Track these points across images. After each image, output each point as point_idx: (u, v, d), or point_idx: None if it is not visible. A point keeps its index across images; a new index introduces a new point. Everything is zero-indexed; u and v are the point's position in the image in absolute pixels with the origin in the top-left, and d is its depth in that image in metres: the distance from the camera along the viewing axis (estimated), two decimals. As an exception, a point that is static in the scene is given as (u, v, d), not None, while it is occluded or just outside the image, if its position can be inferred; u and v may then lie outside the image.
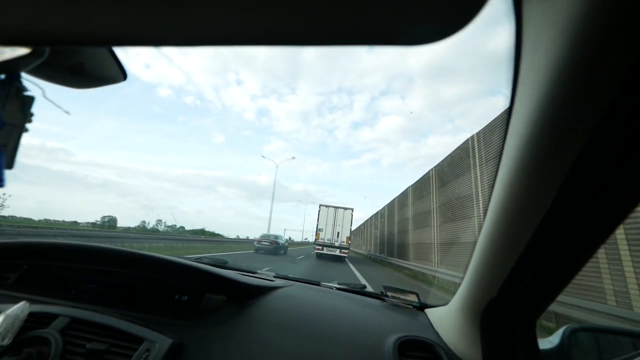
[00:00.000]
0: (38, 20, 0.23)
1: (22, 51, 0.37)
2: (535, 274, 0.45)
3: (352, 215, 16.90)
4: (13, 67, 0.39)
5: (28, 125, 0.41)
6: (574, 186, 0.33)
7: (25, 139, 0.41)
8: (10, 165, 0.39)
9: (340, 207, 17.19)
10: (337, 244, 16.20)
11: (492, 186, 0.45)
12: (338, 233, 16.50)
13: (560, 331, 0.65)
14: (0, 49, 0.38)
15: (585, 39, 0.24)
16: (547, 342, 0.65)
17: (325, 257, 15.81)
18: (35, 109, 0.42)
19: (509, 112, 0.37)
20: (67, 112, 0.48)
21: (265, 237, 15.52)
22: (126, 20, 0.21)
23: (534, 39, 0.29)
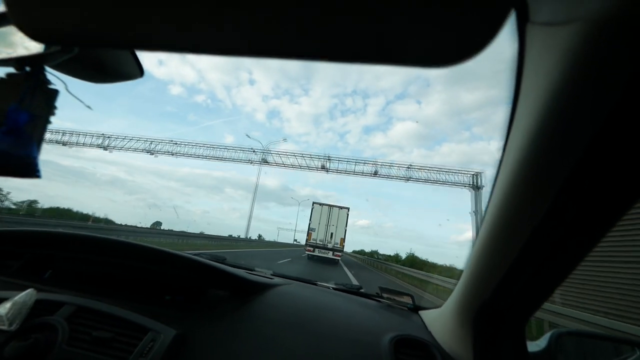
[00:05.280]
0: (74, 22, 0.24)
1: (54, 48, 0.38)
2: (525, 280, 0.48)
3: (347, 215, 16.18)
4: (40, 61, 0.40)
5: (51, 118, 0.43)
6: (566, 198, 0.36)
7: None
8: None
9: (336, 206, 16.44)
10: (330, 245, 15.49)
11: (490, 194, 0.47)
12: (332, 234, 15.75)
13: (547, 335, 0.69)
14: (28, 43, 0.39)
15: (580, 67, 0.27)
16: (534, 345, 0.68)
17: (317, 259, 15.15)
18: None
19: (509, 122, 0.39)
20: (89, 107, 0.50)
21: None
22: (149, 26, 0.23)
23: (535, 61, 0.32)
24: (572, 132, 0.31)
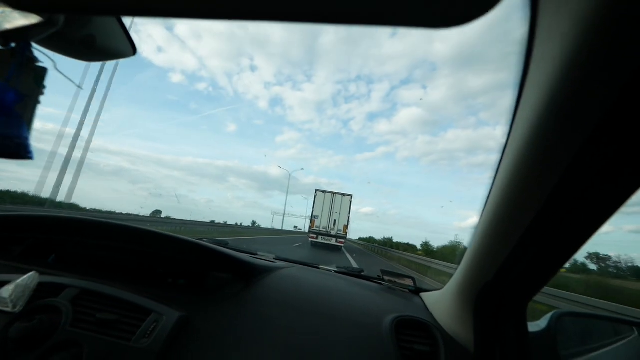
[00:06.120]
0: None
1: (35, 19, 0.36)
2: (529, 261, 0.47)
3: (350, 202, 16.16)
4: (24, 36, 0.38)
5: (41, 98, 0.41)
6: (572, 180, 0.34)
7: (39, 123, 0.41)
8: None
9: (339, 193, 16.43)
10: (333, 232, 15.52)
11: (495, 174, 0.46)
12: (335, 221, 15.77)
13: (548, 315, 0.69)
14: (12, 16, 0.37)
15: (597, 33, 0.25)
16: (534, 326, 0.69)
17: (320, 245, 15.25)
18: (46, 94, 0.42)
19: (517, 97, 0.37)
20: (79, 87, 0.48)
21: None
22: None
23: (547, 29, 0.29)
24: (586, 107, 0.29)
